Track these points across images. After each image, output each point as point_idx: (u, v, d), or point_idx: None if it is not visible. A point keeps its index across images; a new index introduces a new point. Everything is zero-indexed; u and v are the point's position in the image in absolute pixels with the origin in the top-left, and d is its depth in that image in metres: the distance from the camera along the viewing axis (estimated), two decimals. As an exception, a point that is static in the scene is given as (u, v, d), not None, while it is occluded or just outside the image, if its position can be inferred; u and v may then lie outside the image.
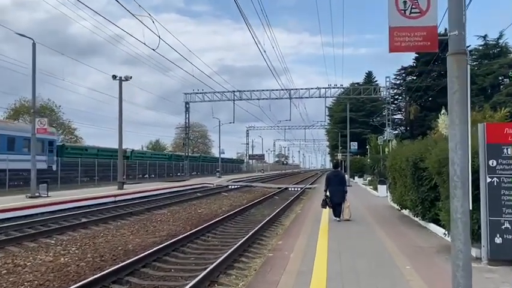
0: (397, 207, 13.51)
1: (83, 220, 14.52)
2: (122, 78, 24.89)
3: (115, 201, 20.03)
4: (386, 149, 31.02)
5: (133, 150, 47.83)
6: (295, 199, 23.73)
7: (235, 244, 10.23)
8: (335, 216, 12.23)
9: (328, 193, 12.39)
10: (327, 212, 14.39)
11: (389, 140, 37.52)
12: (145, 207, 17.79)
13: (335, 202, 12.26)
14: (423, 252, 7.29)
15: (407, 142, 13.10)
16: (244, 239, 10.85)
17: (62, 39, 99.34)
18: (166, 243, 10.30)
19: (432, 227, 9.81)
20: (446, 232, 7.43)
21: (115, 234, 12.04)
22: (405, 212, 12.85)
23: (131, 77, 24.78)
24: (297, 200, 23.75)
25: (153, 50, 18.69)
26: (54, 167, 32.71)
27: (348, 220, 12.17)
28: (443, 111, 9.97)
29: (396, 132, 50.82)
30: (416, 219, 10.87)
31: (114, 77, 24.74)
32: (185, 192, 28.29)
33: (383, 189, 20.91)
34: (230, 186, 35.33)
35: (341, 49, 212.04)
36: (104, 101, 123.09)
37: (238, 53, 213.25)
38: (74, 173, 35.82)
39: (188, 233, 11.95)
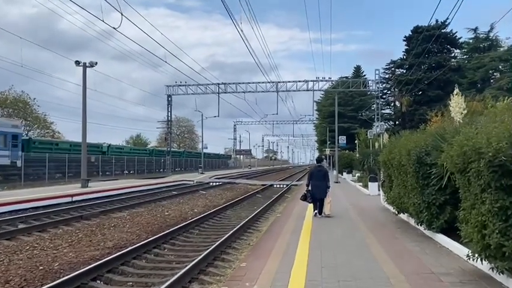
0: (393, 210, 11.37)
1: (20, 226, 12.16)
2: (87, 64, 22.33)
3: (72, 202, 17.62)
4: (376, 144, 29.04)
5: (109, 144, 45.14)
6: (278, 198, 21.62)
7: (193, 260, 8.03)
8: (315, 211, 12.03)
9: (310, 188, 12.13)
10: (310, 215, 12.26)
11: (379, 134, 35.55)
12: (101, 210, 15.40)
13: (317, 197, 12.00)
14: (442, 285, 5.11)
15: (406, 133, 10.91)
16: (206, 252, 8.66)
17: (52, 34, 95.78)
18: (105, 260, 8.08)
19: (442, 239, 7.68)
20: (471, 254, 5.26)
21: (47, 246, 9.70)
22: (403, 216, 10.73)
23: (96, 63, 22.26)
24: (281, 199, 21.64)
25: (114, 28, 16.34)
26: (19, 163, 30.04)
27: (328, 216, 11.78)
28: (456, 90, 7.78)
29: (386, 126, 48.86)
30: (420, 227, 8.72)
31: (77, 62, 22.17)
32: (160, 190, 25.92)
33: (374, 187, 18.85)
34: (211, 183, 33.07)
35: (330, 45, 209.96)
36: (92, 97, 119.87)
37: (229, 48, 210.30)
38: (43, 169, 33.17)
39: (141, 243, 9.72)
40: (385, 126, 25.14)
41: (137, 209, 16.40)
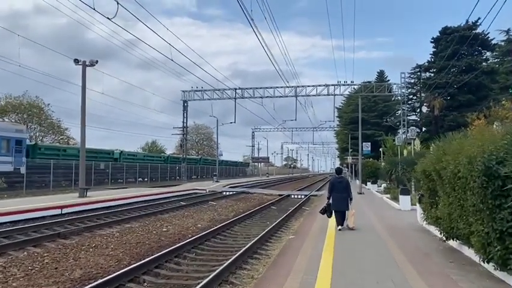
0: (439, 234, 8.92)
1: (-15, 246, 10.19)
2: (87, 63, 20.54)
3: (61, 214, 15.66)
4: (405, 151, 26.52)
5: (122, 151, 43.56)
6: (295, 210, 19.32)
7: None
8: (338, 224, 11.29)
9: (331, 200, 11.42)
10: (331, 237, 9.98)
11: (408, 141, 32.78)
12: (87, 225, 13.34)
13: (339, 210, 11.34)
14: None
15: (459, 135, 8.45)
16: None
17: (80, 44, 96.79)
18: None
19: (525, 286, 5.26)
20: None
21: (-5, 277, 7.66)
22: (453, 243, 8.28)
23: (97, 62, 20.43)
24: (298, 212, 19.34)
25: (108, 18, 14.47)
26: (23, 170, 28.55)
27: (352, 229, 11.16)
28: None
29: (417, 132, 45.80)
30: (485, 264, 6.31)
31: (76, 61, 20.40)
32: (167, 200, 23.87)
33: (405, 201, 16.35)
34: (224, 193, 30.92)
35: (353, 53, 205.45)
36: (116, 105, 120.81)
37: (252, 57, 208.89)
38: (50, 176, 31.68)
39: (116, 273, 7.60)
40: (416, 131, 22.53)
41: (131, 224, 14.31)
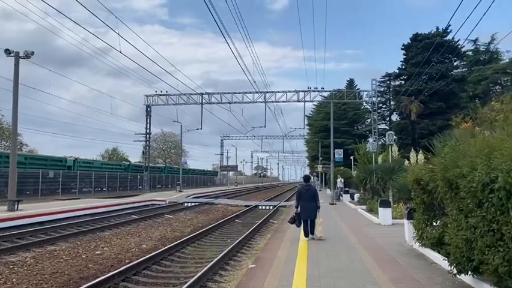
0: (439, 259, 6.82)
1: None
2: (21, 55, 17.61)
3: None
4: (379, 158, 24.80)
5: (76, 158, 40.08)
6: (262, 224, 17.09)
7: None
8: (305, 236, 11.15)
9: (299, 209, 11.27)
10: (303, 263, 7.73)
11: (382, 149, 31.26)
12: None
13: (307, 219, 11.21)
14: None
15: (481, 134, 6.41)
16: None
17: (49, 50, 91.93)
18: None
19: None
20: None
21: None
22: (466, 278, 6.14)
23: (33, 53, 17.57)
24: (265, 226, 17.12)
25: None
26: (-46, 179, 25.06)
27: (320, 239, 10.95)
28: None
29: (381, 142, 44.65)
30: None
31: (8, 51, 17.42)
32: (118, 213, 21.04)
33: (386, 214, 14.32)
34: (186, 204, 28.30)
35: (323, 63, 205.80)
36: (84, 114, 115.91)
37: (223, 66, 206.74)
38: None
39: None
40: (394, 137, 20.73)
41: (57, 245, 11.58)
